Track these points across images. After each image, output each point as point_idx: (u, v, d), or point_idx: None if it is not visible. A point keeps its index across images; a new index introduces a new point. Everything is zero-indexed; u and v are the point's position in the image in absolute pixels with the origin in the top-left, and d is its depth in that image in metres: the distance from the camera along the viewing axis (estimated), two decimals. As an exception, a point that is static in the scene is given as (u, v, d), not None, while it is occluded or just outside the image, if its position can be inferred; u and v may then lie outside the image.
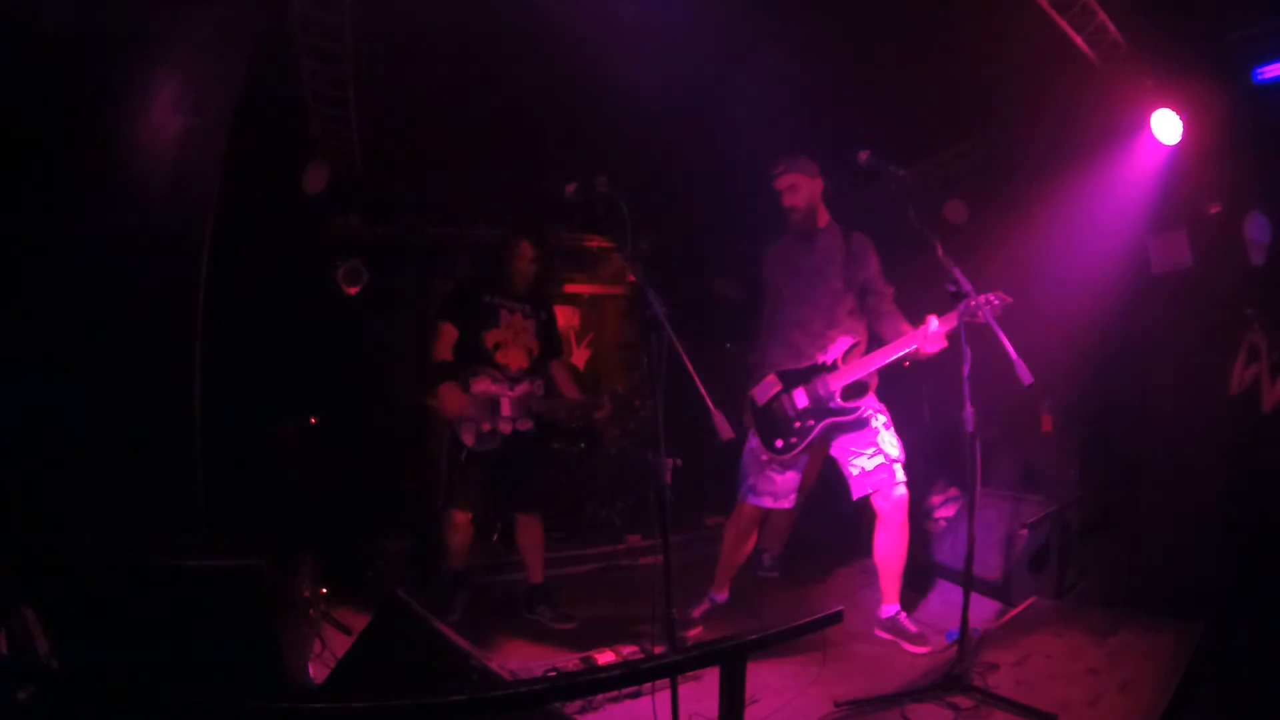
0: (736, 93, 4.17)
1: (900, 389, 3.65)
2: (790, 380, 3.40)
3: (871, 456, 3.33)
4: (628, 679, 1.95)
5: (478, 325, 3.81)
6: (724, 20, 3.76)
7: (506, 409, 3.74)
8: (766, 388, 3.43)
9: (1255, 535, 3.30)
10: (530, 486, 3.91)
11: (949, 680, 2.64)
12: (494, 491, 3.84)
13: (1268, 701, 2.56)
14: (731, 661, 1.67)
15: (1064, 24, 3.58)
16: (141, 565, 2.35)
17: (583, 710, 2.72)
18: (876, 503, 3.35)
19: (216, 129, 3.21)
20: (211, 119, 3.19)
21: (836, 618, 1.94)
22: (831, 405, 3.32)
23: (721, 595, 3.67)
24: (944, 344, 3.08)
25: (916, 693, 2.66)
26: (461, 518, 3.76)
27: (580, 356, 6.70)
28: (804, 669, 3.02)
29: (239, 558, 2.42)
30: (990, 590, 3.66)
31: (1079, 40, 3.66)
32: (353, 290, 5.45)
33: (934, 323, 3.06)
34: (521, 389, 3.79)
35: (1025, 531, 3.70)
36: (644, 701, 2.58)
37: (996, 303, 2.85)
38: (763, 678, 2.89)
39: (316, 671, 2.77)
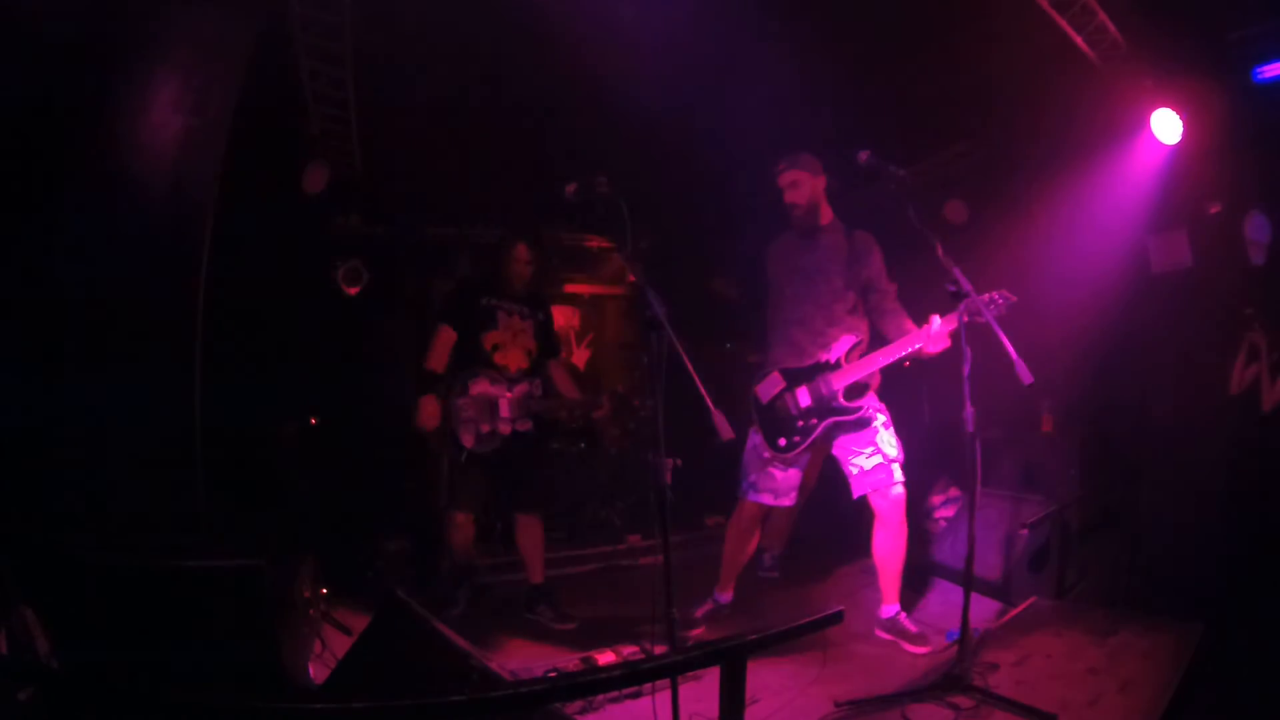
0: (736, 92, 4.18)
1: (900, 389, 3.65)
2: (794, 378, 3.40)
3: (870, 456, 3.33)
4: (628, 679, 1.94)
5: (476, 327, 3.81)
6: (724, 20, 3.76)
7: (505, 410, 3.74)
8: (770, 385, 3.43)
9: (1255, 535, 3.30)
10: (530, 487, 3.91)
11: (949, 680, 2.63)
12: (494, 492, 3.85)
13: (1268, 701, 2.56)
14: (732, 661, 1.67)
15: (1064, 24, 3.58)
16: (141, 565, 2.36)
17: (583, 710, 2.72)
18: (874, 502, 3.36)
19: (216, 129, 3.21)
20: (211, 119, 3.19)
21: (837, 618, 1.93)
22: (834, 404, 3.32)
23: (726, 595, 3.67)
24: (947, 344, 3.08)
25: (917, 693, 2.66)
26: (463, 519, 3.79)
27: (580, 356, 6.70)
28: (804, 669, 3.02)
29: (239, 558, 2.43)
30: (990, 590, 3.66)
31: (1079, 40, 3.66)
32: (353, 290, 5.45)
33: (937, 322, 3.06)
34: (520, 390, 3.79)
35: (1025, 531, 3.70)
36: (644, 702, 2.58)
37: (1001, 301, 2.85)
38: (763, 678, 2.89)
39: (316, 671, 2.77)
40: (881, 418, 3.38)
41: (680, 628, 3.35)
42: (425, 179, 5.58)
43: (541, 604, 3.87)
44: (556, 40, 3.69)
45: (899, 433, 3.41)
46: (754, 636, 1.71)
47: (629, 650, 3.18)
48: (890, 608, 3.39)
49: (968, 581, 2.75)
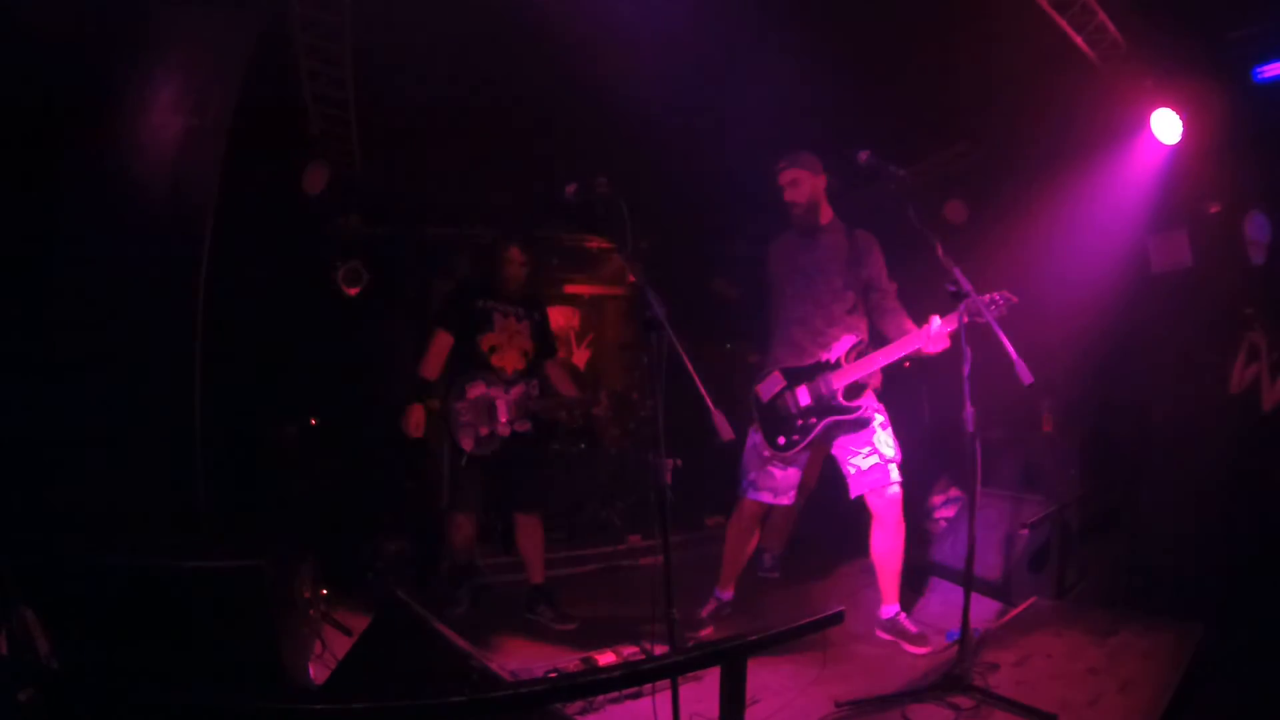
0: (736, 93, 4.18)
1: (900, 389, 3.65)
2: (794, 378, 3.40)
3: (867, 456, 3.33)
4: (628, 679, 1.94)
5: (472, 330, 3.81)
6: (724, 20, 3.76)
7: (502, 412, 3.74)
8: (771, 384, 3.43)
9: (1255, 535, 3.30)
10: (530, 487, 3.91)
11: (949, 680, 2.63)
12: (495, 493, 3.86)
13: (1268, 701, 2.56)
14: (732, 662, 1.67)
15: (1064, 24, 3.59)
16: (142, 566, 2.35)
17: (583, 711, 2.71)
18: (871, 502, 3.36)
19: (216, 129, 3.22)
20: (211, 119, 3.20)
21: (837, 618, 1.93)
22: (833, 403, 3.32)
23: (727, 594, 3.67)
24: (947, 344, 3.07)
25: (917, 693, 2.66)
26: (464, 519, 3.81)
27: (580, 357, 6.70)
28: (804, 669, 3.01)
29: (239, 558, 2.43)
30: (990, 590, 3.65)
31: (1079, 40, 3.67)
32: (353, 291, 5.45)
33: (937, 322, 3.06)
34: (517, 391, 3.79)
35: (1025, 531, 3.70)
36: (644, 702, 2.58)
37: (1002, 302, 2.85)
38: (763, 678, 2.89)
39: (316, 672, 2.76)
40: (879, 418, 3.38)
41: (687, 628, 3.38)
42: (425, 179, 5.58)
43: (542, 604, 3.87)
44: (556, 40, 3.69)
45: (899, 433, 3.41)
46: (754, 637, 1.71)
47: (629, 651, 3.18)
48: (890, 608, 3.39)
49: (968, 581, 2.75)
